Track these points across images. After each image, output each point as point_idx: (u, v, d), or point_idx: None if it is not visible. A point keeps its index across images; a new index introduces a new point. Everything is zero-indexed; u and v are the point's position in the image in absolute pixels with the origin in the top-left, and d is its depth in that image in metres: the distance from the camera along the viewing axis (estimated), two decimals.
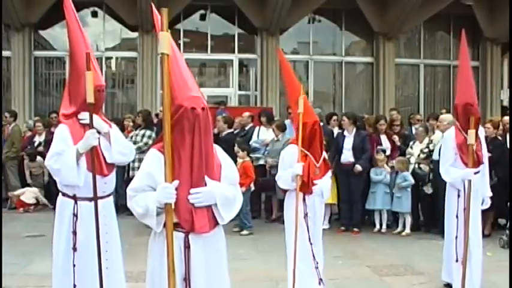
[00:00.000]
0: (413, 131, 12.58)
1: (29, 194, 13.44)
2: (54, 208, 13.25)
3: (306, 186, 6.25)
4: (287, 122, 12.90)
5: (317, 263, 6.31)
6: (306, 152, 6.27)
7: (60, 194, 5.28)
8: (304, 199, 6.31)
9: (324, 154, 6.53)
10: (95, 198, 4.98)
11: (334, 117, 12.86)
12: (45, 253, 9.00)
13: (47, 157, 5.15)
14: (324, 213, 6.78)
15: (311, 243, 6.27)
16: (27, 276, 8.08)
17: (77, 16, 5.42)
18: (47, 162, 5.12)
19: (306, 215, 6.29)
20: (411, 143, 11.75)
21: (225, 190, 4.02)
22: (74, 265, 5.06)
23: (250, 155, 11.74)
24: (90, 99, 4.93)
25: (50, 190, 13.20)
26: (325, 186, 6.42)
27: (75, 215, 5.09)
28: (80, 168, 5.03)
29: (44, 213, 12.85)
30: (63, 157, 5.01)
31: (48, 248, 9.21)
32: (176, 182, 3.78)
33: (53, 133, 14.42)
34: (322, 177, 6.40)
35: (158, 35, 3.84)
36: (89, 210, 5.06)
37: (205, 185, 3.92)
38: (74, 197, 5.13)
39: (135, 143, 11.83)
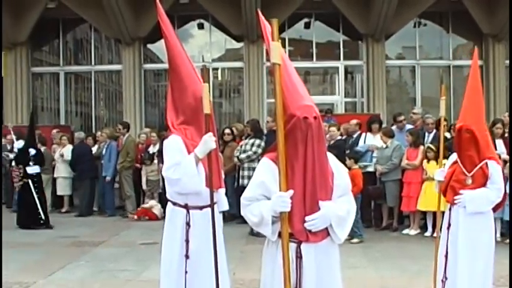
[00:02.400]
0: None
1: (157, 207, 13.78)
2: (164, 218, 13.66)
3: (449, 195, 5.92)
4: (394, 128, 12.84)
5: (446, 278, 5.86)
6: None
7: (169, 203, 5.35)
8: (450, 209, 5.95)
9: (491, 164, 5.87)
10: (211, 206, 5.04)
11: (444, 122, 12.51)
12: (159, 260, 9.27)
13: (164, 168, 5.16)
14: (488, 227, 5.99)
15: (446, 258, 5.86)
16: (143, 283, 8.33)
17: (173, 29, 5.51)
18: (165, 173, 5.12)
19: (448, 225, 5.91)
20: None
21: (339, 210, 4.00)
22: (186, 272, 5.15)
23: (359, 163, 11.65)
24: (207, 110, 5.02)
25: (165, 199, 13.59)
26: (469, 198, 5.79)
27: (188, 224, 5.17)
28: (199, 174, 5.08)
29: (156, 222, 13.21)
30: (182, 166, 5.02)
31: (160, 255, 9.51)
32: (291, 192, 3.79)
33: None
34: (476, 188, 5.84)
35: (269, 45, 3.87)
36: (201, 218, 5.14)
37: (318, 196, 3.91)
38: (186, 206, 5.18)
39: (244, 151, 12.06)
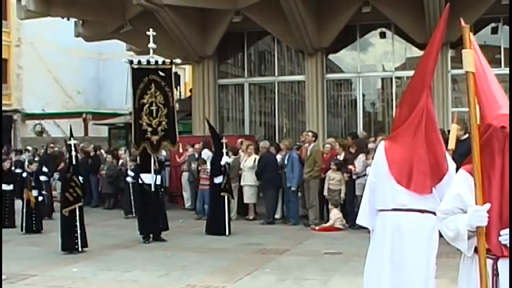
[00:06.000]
0: None
1: (339, 221, 13.76)
2: (350, 227, 13.44)
3: None
4: None
5: None
6: None
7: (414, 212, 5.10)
8: None
9: None
10: None
11: None
12: (343, 270, 9.31)
13: None
14: None
15: None
16: None
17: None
18: None
19: None
20: None
21: None
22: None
23: None
24: (452, 146, 5.11)
25: (346, 209, 13.60)
26: None
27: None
28: None
29: (338, 232, 13.22)
30: None
31: (345, 265, 9.54)
32: (488, 205, 3.63)
33: (351, 153, 14.55)
34: None
35: (462, 53, 3.76)
36: None
37: None
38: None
39: None
